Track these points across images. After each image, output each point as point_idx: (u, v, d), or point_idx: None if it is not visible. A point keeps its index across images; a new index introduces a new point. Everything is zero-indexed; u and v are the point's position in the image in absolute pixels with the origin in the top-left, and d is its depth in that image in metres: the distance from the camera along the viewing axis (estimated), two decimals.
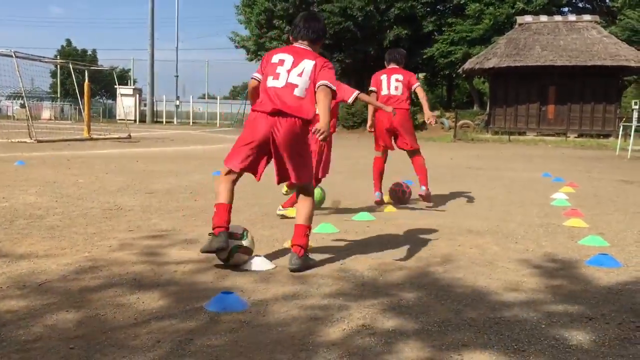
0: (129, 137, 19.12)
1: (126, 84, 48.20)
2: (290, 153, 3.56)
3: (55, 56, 53.21)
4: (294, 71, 3.56)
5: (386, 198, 6.43)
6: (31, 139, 15.64)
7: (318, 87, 3.53)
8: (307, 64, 3.58)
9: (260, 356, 2.26)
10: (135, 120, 40.83)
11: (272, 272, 3.45)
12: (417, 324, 2.64)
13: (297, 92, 3.54)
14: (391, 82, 6.18)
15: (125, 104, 38.77)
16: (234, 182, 3.68)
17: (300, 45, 3.72)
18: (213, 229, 3.51)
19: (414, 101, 7.67)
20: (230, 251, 3.52)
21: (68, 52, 58.93)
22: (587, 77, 25.88)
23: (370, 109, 6.05)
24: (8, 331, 2.44)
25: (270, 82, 3.58)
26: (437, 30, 33.83)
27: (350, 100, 3.98)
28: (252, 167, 3.63)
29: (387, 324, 2.64)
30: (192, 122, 44.41)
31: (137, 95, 44.03)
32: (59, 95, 51.29)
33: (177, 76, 47.52)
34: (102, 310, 2.73)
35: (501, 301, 3.01)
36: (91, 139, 18.01)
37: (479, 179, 9.41)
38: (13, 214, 5.07)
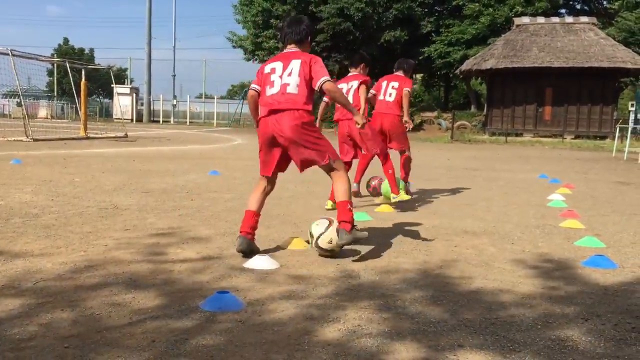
0: (126, 136, 19.09)
1: (123, 83, 48.16)
2: (299, 141, 3.80)
3: (52, 54, 53.10)
4: (285, 73, 3.85)
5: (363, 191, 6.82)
6: (27, 137, 15.61)
7: (322, 84, 3.78)
8: (295, 63, 3.85)
9: (255, 356, 2.26)
10: (132, 120, 40.77)
11: (269, 272, 3.44)
12: (413, 325, 2.64)
13: (289, 89, 3.81)
14: (388, 89, 6.52)
15: (122, 103, 38.77)
16: (265, 190, 4.05)
17: (289, 49, 3.99)
18: (240, 231, 3.88)
19: (414, 104, 7.94)
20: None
21: (65, 51, 58.87)
22: (584, 79, 25.95)
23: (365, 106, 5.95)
24: (3, 330, 2.43)
25: (268, 91, 3.88)
26: (435, 31, 33.89)
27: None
28: (270, 167, 3.96)
29: (383, 324, 2.64)
30: (189, 122, 44.35)
31: (134, 95, 43.96)
32: (55, 94, 51.22)
33: (174, 75, 47.47)
34: (97, 309, 2.72)
35: (497, 302, 3.01)
36: (88, 137, 17.98)
37: (476, 180, 9.42)
38: (8, 213, 5.05)
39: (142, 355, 2.22)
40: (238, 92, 65.12)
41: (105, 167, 9.42)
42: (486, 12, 31.29)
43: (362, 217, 5.31)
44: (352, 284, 3.27)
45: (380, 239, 4.46)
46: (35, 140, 15.50)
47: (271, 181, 4.05)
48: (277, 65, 3.91)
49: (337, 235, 3.75)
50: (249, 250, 3.76)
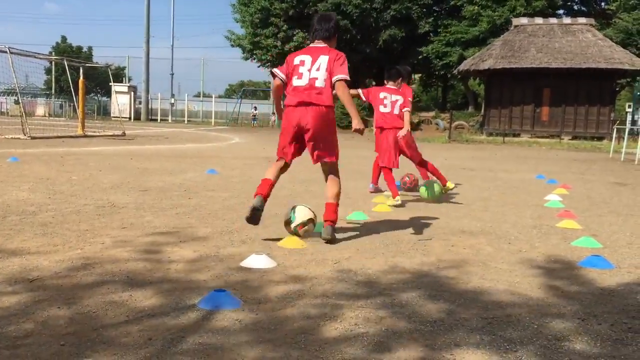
0: (124, 134, 19.07)
1: (121, 82, 48.13)
2: (319, 135, 4.21)
3: (50, 52, 53.05)
4: (313, 68, 4.18)
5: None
6: (25, 135, 15.59)
7: (335, 82, 4.14)
8: (323, 59, 4.19)
9: (252, 354, 2.26)
10: (129, 118, 40.72)
11: (266, 271, 3.44)
12: (410, 324, 2.64)
13: (317, 83, 4.16)
14: (391, 101, 6.72)
15: (120, 101, 38.69)
16: (282, 168, 4.42)
17: (317, 44, 4.32)
18: (255, 194, 4.29)
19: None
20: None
21: (63, 49, 58.79)
22: (582, 80, 26.01)
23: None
24: None
25: (296, 82, 4.22)
26: (433, 32, 33.92)
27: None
28: (288, 156, 4.37)
29: (380, 323, 2.64)
30: (187, 121, 44.33)
31: (132, 93, 43.93)
32: (53, 92, 51.13)
33: (172, 74, 47.48)
34: (93, 307, 2.72)
35: (494, 301, 3.02)
36: (85, 136, 17.95)
37: (473, 180, 9.43)
38: (5, 210, 5.04)
39: (138, 354, 2.22)
40: (236, 91, 65.08)
41: (103, 165, 9.40)
42: (485, 13, 31.31)
43: (359, 217, 5.31)
44: (349, 283, 3.27)
45: (377, 238, 4.47)
46: (33, 138, 15.48)
47: (287, 164, 4.45)
48: (306, 58, 4.23)
49: (322, 232, 4.21)
50: (261, 208, 4.22)
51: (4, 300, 2.77)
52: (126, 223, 4.73)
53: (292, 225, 4.30)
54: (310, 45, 4.35)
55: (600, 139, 25.77)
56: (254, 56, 35.33)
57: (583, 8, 38.46)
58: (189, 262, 3.60)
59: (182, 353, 2.24)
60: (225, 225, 4.77)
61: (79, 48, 63.57)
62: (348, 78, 4.15)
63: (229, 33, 36.96)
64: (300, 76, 4.20)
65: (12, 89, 19.24)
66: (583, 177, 10.66)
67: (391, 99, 6.61)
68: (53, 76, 52.28)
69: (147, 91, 44.70)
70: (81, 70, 19.30)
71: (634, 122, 26.37)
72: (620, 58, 25.40)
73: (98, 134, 19.19)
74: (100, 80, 52.83)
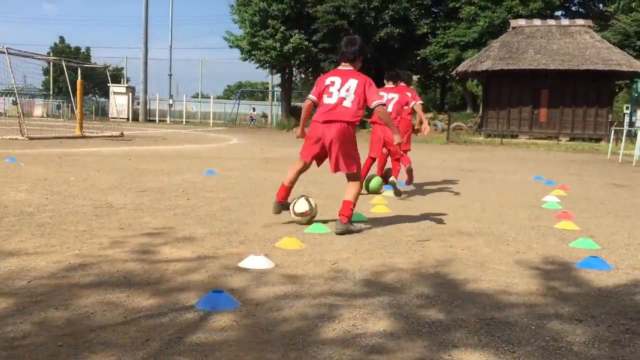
0: (122, 135, 19.05)
1: (119, 82, 48.04)
2: (340, 148, 4.67)
3: (48, 53, 52.99)
4: (342, 89, 4.67)
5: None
6: (23, 136, 15.56)
7: (374, 107, 4.70)
8: (352, 82, 4.69)
9: (249, 355, 2.25)
10: (128, 119, 40.69)
11: (264, 272, 3.44)
12: (407, 325, 2.64)
13: (345, 103, 4.65)
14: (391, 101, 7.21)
15: (118, 102, 38.68)
16: (300, 170, 4.94)
17: (344, 67, 4.81)
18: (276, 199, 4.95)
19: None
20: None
21: (61, 50, 58.73)
22: (580, 81, 26.04)
23: None
24: None
25: (326, 100, 4.71)
26: (431, 33, 33.93)
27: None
28: (309, 158, 4.85)
29: (378, 324, 2.64)
30: (185, 122, 44.30)
31: (130, 94, 43.91)
32: (51, 93, 51.07)
33: (170, 75, 47.43)
34: (91, 308, 2.71)
35: (492, 302, 3.02)
36: (83, 136, 17.93)
37: (471, 181, 9.44)
38: (3, 211, 5.03)
39: (136, 354, 2.22)
40: (234, 91, 65.06)
41: (101, 166, 9.39)
42: (483, 14, 31.34)
43: (358, 217, 5.31)
44: (347, 283, 3.27)
45: (375, 239, 4.47)
46: (31, 138, 15.46)
47: (307, 166, 4.92)
48: (336, 79, 4.74)
49: (335, 226, 4.67)
50: (279, 212, 4.94)
51: (1, 301, 2.76)
52: (124, 224, 4.72)
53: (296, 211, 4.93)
54: (339, 67, 4.87)
55: (598, 140, 25.80)
56: (253, 57, 35.29)
57: (581, 10, 38.52)
58: (186, 262, 3.59)
59: (179, 354, 2.24)
60: (223, 226, 4.76)
61: (77, 49, 63.51)
62: (384, 102, 4.91)
63: (228, 34, 36.87)
64: (330, 95, 4.71)
65: (10, 89, 19.20)
66: (581, 178, 10.67)
67: (387, 97, 7.05)
68: (51, 77, 52.20)
69: (145, 92, 44.65)
70: (79, 71, 19.29)
71: (631, 124, 26.40)
72: (618, 60, 25.43)
73: (96, 134, 19.16)
74: (99, 81, 52.82)
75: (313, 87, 4.95)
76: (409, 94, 7.46)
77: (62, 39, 63.91)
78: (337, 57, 4.97)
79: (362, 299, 3.00)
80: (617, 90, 32.87)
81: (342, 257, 3.85)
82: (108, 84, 38.79)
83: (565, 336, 2.57)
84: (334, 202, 6.38)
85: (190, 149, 15.16)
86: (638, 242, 4.72)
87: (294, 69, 38.74)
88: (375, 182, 7.44)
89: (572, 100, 26.54)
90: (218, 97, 58.81)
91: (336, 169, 4.74)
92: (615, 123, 24.12)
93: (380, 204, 6.23)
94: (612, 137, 18.51)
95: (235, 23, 36.22)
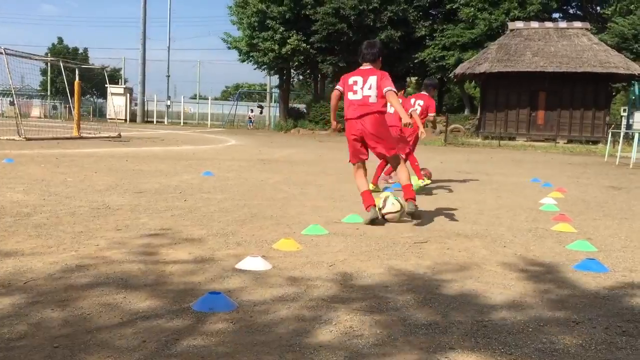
0: (119, 136, 19.03)
1: (117, 83, 47.99)
2: (378, 137, 5.23)
3: (46, 54, 52.94)
4: (365, 86, 5.21)
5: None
6: (20, 136, 15.54)
7: (385, 92, 5.12)
8: (372, 79, 5.20)
9: (246, 357, 2.25)
10: (125, 120, 40.68)
11: (261, 273, 3.43)
12: (404, 327, 2.64)
13: (370, 100, 5.20)
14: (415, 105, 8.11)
15: (116, 103, 38.65)
16: (364, 171, 5.45)
17: (365, 67, 5.32)
18: (366, 207, 5.23)
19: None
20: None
21: (59, 50, 58.70)
22: (577, 84, 26.12)
23: None
24: None
25: (352, 97, 5.26)
26: (429, 36, 33.97)
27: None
28: (362, 156, 5.39)
29: (375, 326, 2.64)
30: (183, 123, 44.28)
31: (128, 95, 43.90)
32: (49, 94, 51.02)
33: (168, 76, 47.40)
34: (87, 309, 2.71)
35: (489, 304, 3.02)
36: (81, 137, 17.91)
37: (469, 183, 9.44)
38: (0, 212, 5.02)
39: (132, 356, 2.21)
40: (232, 93, 65.03)
41: (98, 167, 9.38)
42: (481, 16, 31.40)
43: (355, 219, 5.31)
44: (344, 285, 3.26)
45: (372, 241, 4.46)
46: (28, 139, 15.44)
47: (363, 165, 5.43)
48: (358, 79, 5.25)
49: (406, 207, 5.21)
50: (377, 216, 5.17)
51: None
52: (121, 225, 4.71)
53: (383, 211, 5.30)
54: (360, 68, 5.34)
55: (595, 142, 25.85)
56: (251, 58, 35.31)
57: (579, 12, 38.60)
58: (184, 264, 3.59)
59: (176, 356, 2.23)
60: (221, 228, 4.76)
61: (75, 49, 63.46)
62: (394, 89, 5.19)
63: (226, 35, 36.90)
64: (355, 92, 5.24)
65: (7, 90, 19.16)
66: (578, 180, 10.69)
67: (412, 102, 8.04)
68: (49, 77, 52.13)
69: (143, 93, 44.63)
70: (77, 72, 19.27)
71: (628, 126, 26.45)
72: (616, 62, 25.50)
73: (93, 135, 19.15)
74: (96, 82, 52.68)
75: (337, 83, 5.52)
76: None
77: (60, 40, 63.87)
78: (359, 58, 5.41)
79: (359, 301, 3.00)
80: (614, 93, 32.94)
81: (339, 259, 3.85)
82: (106, 85, 38.73)
83: (561, 338, 2.57)
84: (331, 203, 6.39)
85: (187, 150, 15.15)
86: (635, 245, 4.73)
87: (292, 70, 38.76)
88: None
89: (569, 103, 26.62)
90: (216, 99, 58.75)
91: (379, 155, 5.46)
92: (613, 125, 24.19)
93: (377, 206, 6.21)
94: (609, 139, 18.55)
95: (234, 24, 36.25)
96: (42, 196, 6.01)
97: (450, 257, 4.06)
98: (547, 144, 25.71)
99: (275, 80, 42.92)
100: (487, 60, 26.91)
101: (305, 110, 39.34)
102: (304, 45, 32.59)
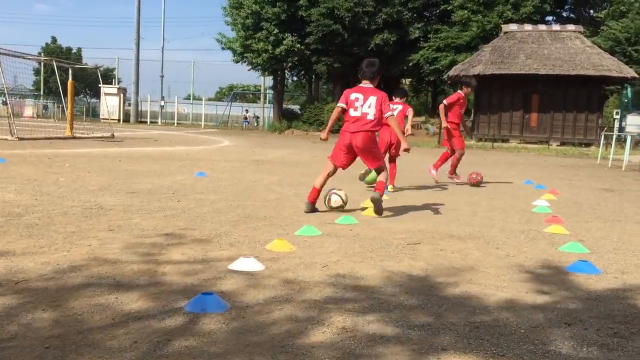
0: (112, 136, 18.96)
1: (111, 83, 47.82)
2: (367, 151, 5.83)
3: (40, 53, 52.72)
4: (365, 105, 5.77)
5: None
6: (12, 136, 15.46)
7: (387, 117, 5.82)
8: (373, 99, 5.78)
9: (238, 358, 2.24)
10: (119, 120, 40.51)
11: (254, 274, 3.43)
12: (397, 328, 2.64)
13: (368, 117, 5.77)
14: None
15: (109, 103, 38.47)
16: (329, 174, 5.94)
17: (365, 84, 5.90)
18: (308, 199, 5.88)
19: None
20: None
21: (52, 50, 58.48)
22: (570, 86, 26.20)
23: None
24: None
25: (352, 112, 5.81)
26: (423, 37, 34.04)
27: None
28: (343, 163, 5.95)
29: (368, 327, 2.64)
30: (177, 123, 44.19)
31: (122, 95, 43.71)
32: (42, 93, 50.79)
33: (162, 76, 47.23)
34: (79, 309, 2.69)
35: (481, 306, 3.02)
36: (74, 137, 17.83)
37: (462, 184, 9.46)
38: None
39: (123, 356, 2.20)
40: (226, 94, 64.91)
41: (91, 167, 9.34)
42: (475, 18, 31.50)
43: (348, 221, 5.31)
44: (337, 286, 3.26)
45: (366, 242, 4.46)
46: (21, 139, 15.36)
47: (335, 169, 5.96)
48: (359, 96, 5.81)
49: (372, 194, 5.78)
50: (312, 211, 5.78)
51: None
52: (113, 225, 4.69)
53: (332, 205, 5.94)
54: (360, 85, 5.91)
55: (588, 145, 25.95)
56: (245, 59, 35.25)
57: (572, 15, 38.76)
58: (176, 264, 3.58)
59: (167, 356, 2.23)
60: (214, 228, 4.75)
61: (69, 49, 63.24)
62: (394, 114, 6.03)
63: (220, 36, 36.81)
64: (355, 109, 5.80)
65: (0, 89, 19.07)
66: (571, 182, 10.73)
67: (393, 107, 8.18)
68: (42, 77, 51.92)
69: (137, 93, 44.45)
70: (70, 72, 19.19)
71: (621, 129, 26.58)
72: (609, 65, 25.61)
73: (86, 135, 19.07)
74: (90, 82, 52.54)
75: (340, 96, 6.01)
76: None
77: (54, 39, 63.64)
78: (359, 74, 5.97)
79: (352, 302, 2.99)
80: (607, 96, 33.09)
81: (332, 260, 3.85)
82: (99, 85, 38.58)
83: (553, 340, 2.58)
84: (318, 204, 6.38)
85: (181, 151, 15.11)
86: (627, 247, 4.75)
87: (286, 71, 38.73)
88: (372, 176, 7.97)
89: (562, 105, 26.70)
90: (210, 99, 58.63)
91: (368, 164, 6.04)
92: (605, 128, 24.29)
93: (371, 207, 6.22)
94: (602, 142, 18.62)
95: (228, 25, 36.18)
96: (34, 196, 5.98)
97: (443, 258, 4.07)
98: (540, 146, 25.80)
99: (269, 81, 42.90)
100: (481, 63, 26.98)
101: (299, 112, 39.32)
102: (299, 46, 32.57)
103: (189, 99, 52.80)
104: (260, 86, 50.49)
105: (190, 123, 45.71)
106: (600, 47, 27.96)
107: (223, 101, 53.77)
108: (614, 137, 17.94)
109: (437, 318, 2.80)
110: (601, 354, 2.43)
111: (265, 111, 44.93)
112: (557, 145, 26.01)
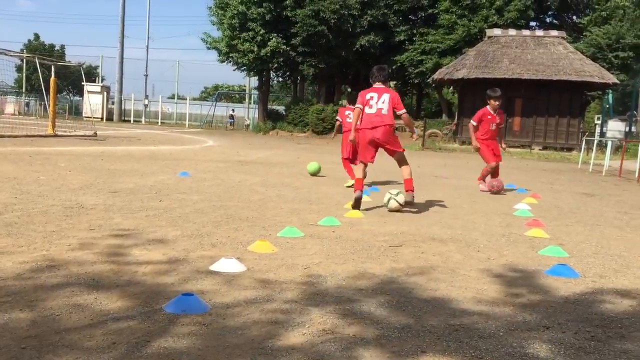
0: (95, 135, 18.80)
1: (94, 81, 47.44)
2: (388, 142, 6.48)
3: (22, 50, 52.07)
4: (379, 101, 6.39)
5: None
6: None
7: (401, 115, 6.46)
8: (386, 96, 6.42)
9: (218, 359, 2.23)
10: (102, 119, 40.21)
11: (235, 275, 3.42)
12: (377, 330, 2.65)
13: (383, 111, 6.38)
14: (379, 102, 7.42)
15: (92, 101, 38.22)
16: (365, 169, 6.70)
17: (378, 85, 6.56)
18: (355, 190, 6.31)
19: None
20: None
21: (35, 47, 57.81)
22: (553, 91, 26.49)
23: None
24: None
25: (367, 110, 6.43)
26: (409, 40, 34.20)
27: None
28: (371, 158, 6.57)
29: (348, 329, 2.64)
30: (161, 122, 43.93)
31: (105, 93, 43.41)
32: (24, 90, 50.23)
33: (146, 75, 46.95)
34: (57, 310, 2.67)
35: (461, 309, 3.04)
36: (55, 135, 17.65)
37: (445, 187, 9.52)
38: None
39: (101, 357, 2.18)
40: (211, 93, 64.67)
41: (73, 165, 9.25)
42: (460, 22, 31.71)
43: (331, 222, 5.32)
44: (318, 288, 3.26)
45: (348, 244, 4.47)
46: (1, 136, 15.16)
47: (365, 166, 6.66)
48: (374, 95, 6.44)
49: (406, 198, 6.36)
50: (361, 198, 6.23)
51: None
52: (94, 224, 4.65)
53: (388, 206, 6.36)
54: (374, 86, 6.55)
55: (569, 149, 26.25)
56: (230, 59, 35.14)
57: (555, 21, 39.19)
58: (157, 264, 3.55)
59: (146, 357, 2.21)
60: (196, 229, 4.73)
61: (52, 46, 62.55)
62: (405, 110, 6.57)
63: (205, 35, 36.66)
64: (370, 107, 6.40)
65: None
66: (552, 187, 10.84)
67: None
68: (24, 74, 51.34)
69: (121, 92, 44.17)
70: (53, 69, 19.00)
71: (602, 134, 26.94)
72: (591, 71, 25.93)
73: (69, 133, 18.88)
74: (73, 80, 52.01)
75: (357, 98, 6.61)
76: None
77: (36, 36, 62.87)
78: (370, 78, 6.64)
79: (333, 304, 3.00)
80: (589, 101, 33.50)
81: (314, 262, 3.85)
82: (82, 83, 38.24)
83: (531, 343, 2.60)
84: (307, 205, 6.39)
85: (164, 150, 15.02)
86: (605, 251, 4.81)
87: (271, 72, 38.68)
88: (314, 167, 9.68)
89: (545, 110, 26.99)
90: (194, 99, 58.36)
91: (392, 153, 6.57)
92: (587, 133, 24.58)
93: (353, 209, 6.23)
94: (583, 146, 18.84)
95: (214, 25, 36.04)
96: (13, 194, 5.91)
97: (424, 261, 4.09)
98: (522, 150, 26.05)
99: (254, 81, 42.81)
100: (465, 67, 27.17)
101: (284, 112, 39.29)
102: (284, 47, 32.54)
103: (174, 98, 52.55)
104: (245, 86, 50.36)
105: (175, 122, 45.48)
106: (582, 52, 28.32)
107: (208, 101, 53.57)
108: (595, 142, 18.16)
109: (417, 320, 2.81)
110: (578, 357, 2.46)
111: (250, 111, 44.83)
112: (539, 150, 26.28)
